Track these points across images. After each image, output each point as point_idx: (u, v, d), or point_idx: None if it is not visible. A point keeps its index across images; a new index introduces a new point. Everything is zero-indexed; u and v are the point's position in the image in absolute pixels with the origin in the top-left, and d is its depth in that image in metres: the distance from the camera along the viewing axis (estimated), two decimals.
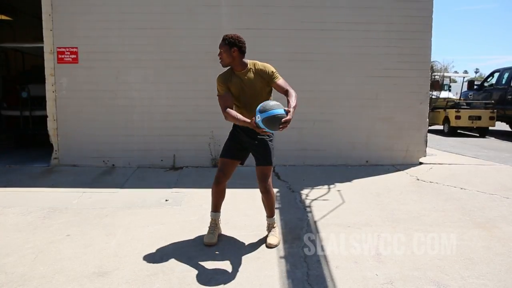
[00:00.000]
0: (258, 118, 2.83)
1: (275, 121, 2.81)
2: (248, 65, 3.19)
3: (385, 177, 5.64)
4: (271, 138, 3.30)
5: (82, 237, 3.48)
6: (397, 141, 6.28)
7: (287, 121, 2.82)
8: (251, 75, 3.18)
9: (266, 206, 3.39)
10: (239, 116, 3.06)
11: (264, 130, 2.89)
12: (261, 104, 2.88)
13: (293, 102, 3.02)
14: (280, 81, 3.18)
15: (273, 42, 5.99)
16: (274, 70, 3.20)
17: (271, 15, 5.99)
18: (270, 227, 3.42)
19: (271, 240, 3.32)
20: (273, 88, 3.24)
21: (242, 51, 3.16)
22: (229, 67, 3.24)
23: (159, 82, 6.07)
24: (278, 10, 6.01)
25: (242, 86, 3.17)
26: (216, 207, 3.41)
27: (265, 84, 3.19)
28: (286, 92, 3.12)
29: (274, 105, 2.86)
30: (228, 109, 3.12)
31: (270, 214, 3.41)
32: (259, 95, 3.18)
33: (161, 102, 6.09)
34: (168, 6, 5.98)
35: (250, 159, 3.40)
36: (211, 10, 5.98)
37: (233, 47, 3.11)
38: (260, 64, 3.21)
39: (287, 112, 2.86)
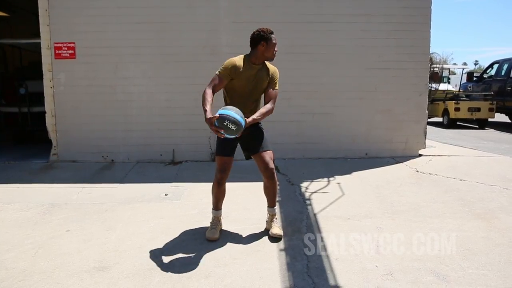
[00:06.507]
0: (216, 115, 2.86)
1: (224, 122, 2.83)
2: (265, 63, 3.27)
3: (385, 169, 5.64)
4: (262, 129, 3.33)
5: (82, 232, 3.48)
6: (397, 133, 6.27)
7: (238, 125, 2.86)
8: (263, 72, 3.23)
9: (268, 195, 3.38)
10: (207, 104, 2.98)
11: (216, 129, 2.86)
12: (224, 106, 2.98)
13: (259, 112, 3.12)
14: (274, 91, 3.25)
15: None
16: (278, 79, 3.29)
17: (269, 8, 5.95)
18: (271, 218, 3.41)
19: (276, 230, 3.31)
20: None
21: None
22: (243, 56, 3.23)
23: (157, 77, 6.05)
24: (276, 3, 5.97)
25: (251, 79, 3.18)
26: (217, 206, 3.41)
27: (266, 85, 3.24)
28: (266, 102, 3.22)
29: (232, 108, 2.92)
30: (210, 90, 3.08)
31: (272, 204, 3.40)
32: (256, 95, 3.24)
33: (160, 97, 6.07)
34: (166, 0, 5.94)
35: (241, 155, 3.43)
36: (210, 4, 5.93)
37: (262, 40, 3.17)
38: (272, 67, 3.30)
39: (244, 121, 2.91)
